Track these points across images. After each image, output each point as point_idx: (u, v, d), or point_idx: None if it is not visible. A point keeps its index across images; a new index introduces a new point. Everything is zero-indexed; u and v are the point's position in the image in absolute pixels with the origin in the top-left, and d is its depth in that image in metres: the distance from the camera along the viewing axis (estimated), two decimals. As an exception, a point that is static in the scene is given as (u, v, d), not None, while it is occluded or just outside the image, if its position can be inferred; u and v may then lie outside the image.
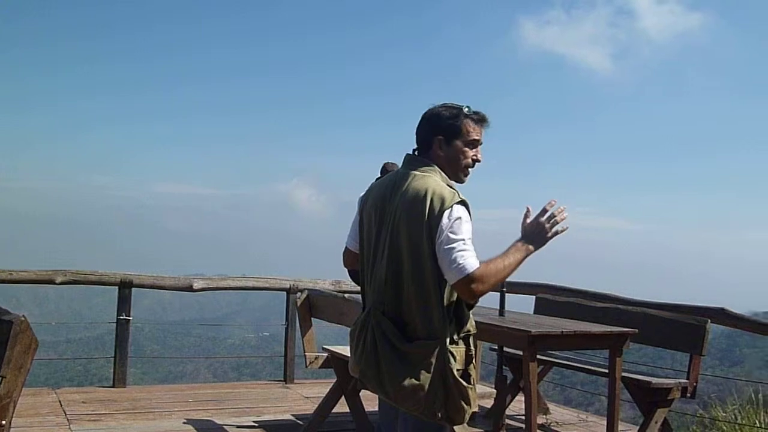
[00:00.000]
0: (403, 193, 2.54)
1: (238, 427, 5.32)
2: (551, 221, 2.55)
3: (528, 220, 2.57)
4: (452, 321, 2.49)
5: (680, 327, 5.15)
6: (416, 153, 2.68)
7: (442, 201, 2.43)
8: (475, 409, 2.55)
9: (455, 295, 2.49)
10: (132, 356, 7.37)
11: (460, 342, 2.52)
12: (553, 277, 7.04)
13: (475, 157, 2.66)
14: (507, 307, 4.91)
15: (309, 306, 5.33)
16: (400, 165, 2.74)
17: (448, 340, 2.46)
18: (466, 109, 2.63)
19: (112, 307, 6.68)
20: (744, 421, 5.74)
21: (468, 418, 2.52)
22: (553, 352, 5.59)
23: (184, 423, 5.34)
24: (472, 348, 2.57)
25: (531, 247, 2.53)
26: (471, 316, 2.58)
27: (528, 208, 2.59)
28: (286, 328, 7.20)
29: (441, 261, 2.41)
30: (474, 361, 2.58)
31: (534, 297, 6.51)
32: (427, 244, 2.44)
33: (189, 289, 6.94)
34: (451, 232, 2.39)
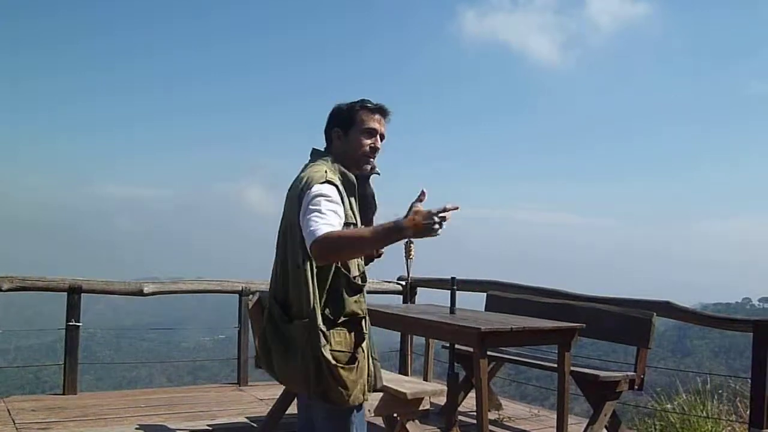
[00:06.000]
0: (292, 183, 2.67)
1: (192, 431, 5.28)
2: (441, 220, 2.29)
3: (420, 205, 2.38)
4: (327, 302, 2.54)
5: (627, 321, 5.27)
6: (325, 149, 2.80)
7: (309, 182, 2.52)
8: (364, 396, 2.59)
9: (330, 276, 2.55)
10: (85, 363, 7.25)
11: (341, 325, 2.56)
12: (503, 275, 7.12)
13: (372, 145, 2.71)
14: (458, 305, 4.98)
15: (260, 308, 5.30)
16: None
17: (320, 320, 2.49)
18: (363, 102, 2.73)
19: (64, 313, 6.56)
20: (691, 411, 5.88)
21: (354, 402, 2.56)
22: (505, 348, 5.67)
23: (137, 429, 5.27)
24: (364, 331, 2.63)
25: (406, 232, 2.27)
26: (358, 299, 2.63)
27: (423, 191, 2.43)
28: (239, 331, 7.18)
29: (303, 234, 2.45)
30: (363, 344, 2.61)
31: (485, 294, 6.59)
32: (297, 225, 2.51)
33: (140, 293, 6.86)
34: (310, 206, 2.44)
